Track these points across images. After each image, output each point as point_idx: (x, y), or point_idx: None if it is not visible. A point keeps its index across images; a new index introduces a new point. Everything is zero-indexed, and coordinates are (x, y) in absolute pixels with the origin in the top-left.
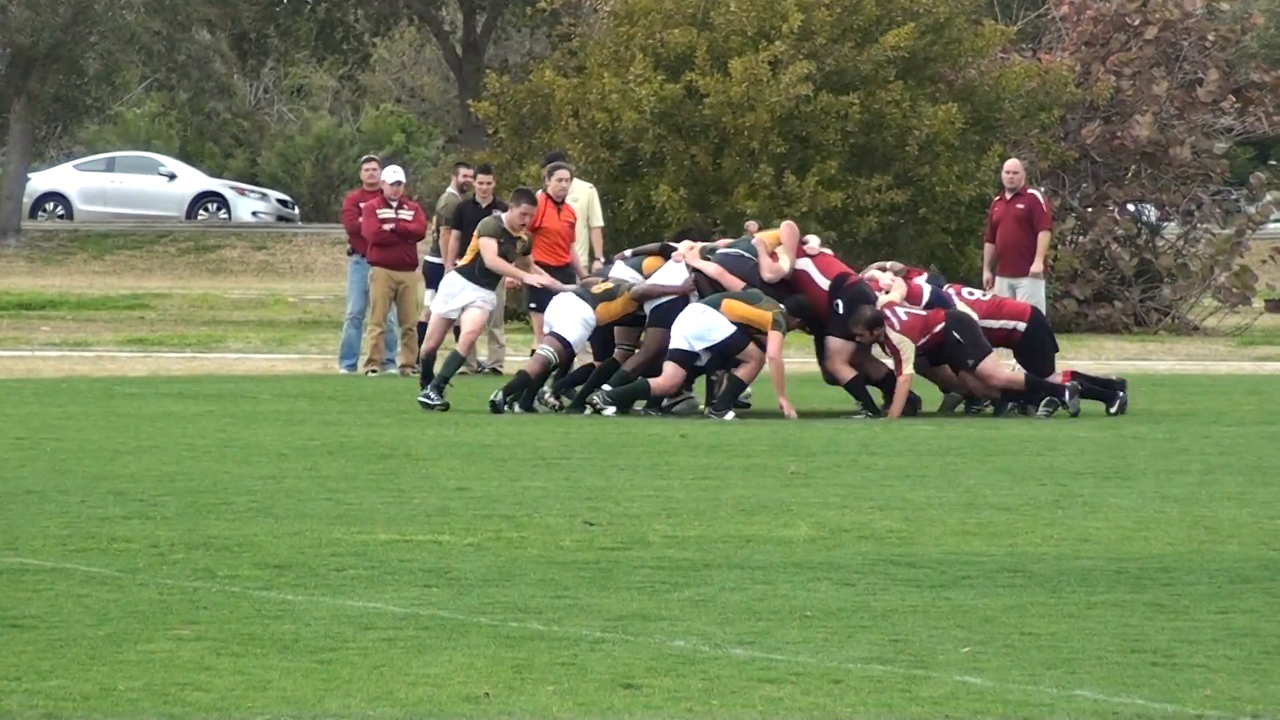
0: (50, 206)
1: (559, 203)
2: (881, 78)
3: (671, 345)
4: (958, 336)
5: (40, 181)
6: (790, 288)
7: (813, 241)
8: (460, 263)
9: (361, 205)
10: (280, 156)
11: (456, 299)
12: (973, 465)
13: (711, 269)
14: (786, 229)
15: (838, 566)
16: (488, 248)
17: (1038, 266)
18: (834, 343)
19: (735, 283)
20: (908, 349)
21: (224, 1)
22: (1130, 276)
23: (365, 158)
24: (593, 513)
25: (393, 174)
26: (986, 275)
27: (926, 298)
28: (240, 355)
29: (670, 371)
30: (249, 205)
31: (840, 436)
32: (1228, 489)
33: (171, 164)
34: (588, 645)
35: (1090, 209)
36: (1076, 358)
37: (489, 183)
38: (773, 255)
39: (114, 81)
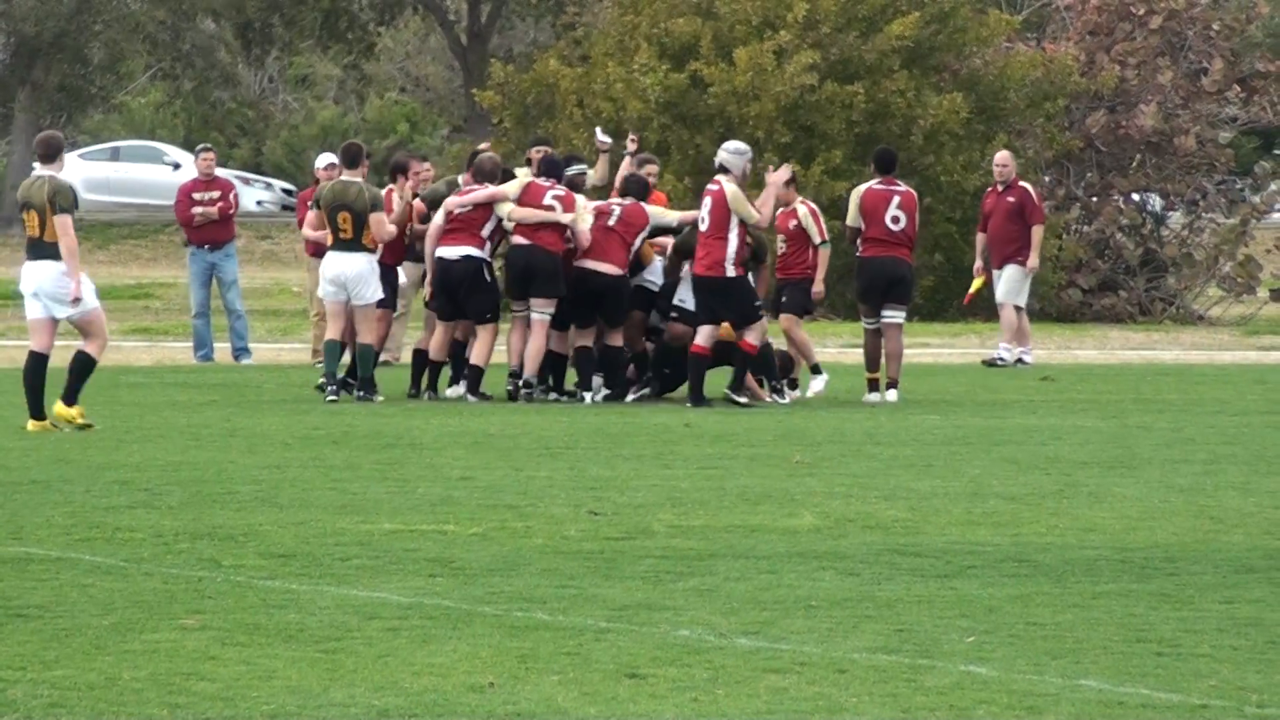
0: None
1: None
2: (886, 67)
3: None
4: None
5: None
6: None
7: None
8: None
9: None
10: (285, 146)
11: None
12: (978, 455)
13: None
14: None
15: (842, 556)
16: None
17: (1034, 261)
18: None
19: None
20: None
21: None
22: (1135, 266)
23: (201, 146)
24: (597, 502)
25: (325, 159)
26: (978, 264)
27: None
28: None
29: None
30: (253, 195)
31: (845, 426)
32: (1233, 479)
33: (176, 153)
34: (592, 635)
35: (1095, 198)
36: (1081, 347)
37: (428, 171)
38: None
39: (118, 71)
